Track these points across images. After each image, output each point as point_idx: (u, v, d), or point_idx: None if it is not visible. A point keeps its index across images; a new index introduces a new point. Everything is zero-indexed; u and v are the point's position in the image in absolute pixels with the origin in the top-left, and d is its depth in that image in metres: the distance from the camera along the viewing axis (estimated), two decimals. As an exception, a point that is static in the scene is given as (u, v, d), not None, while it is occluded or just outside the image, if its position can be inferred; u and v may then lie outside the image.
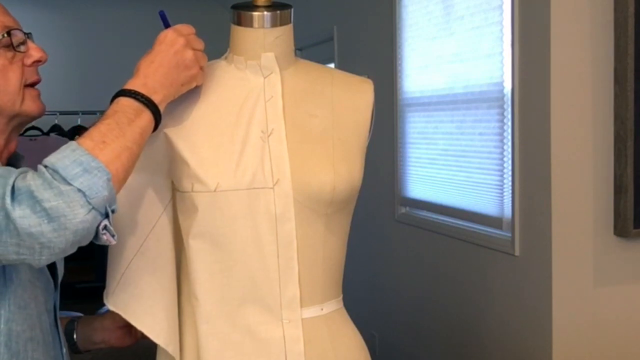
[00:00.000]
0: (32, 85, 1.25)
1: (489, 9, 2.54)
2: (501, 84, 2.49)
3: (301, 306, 1.27)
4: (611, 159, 2.25)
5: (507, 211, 2.48)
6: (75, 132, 5.45)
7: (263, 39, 1.31)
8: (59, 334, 1.30)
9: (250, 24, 1.31)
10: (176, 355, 1.30)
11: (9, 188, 1.03)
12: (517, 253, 2.41)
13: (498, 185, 2.54)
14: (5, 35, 1.20)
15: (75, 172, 1.04)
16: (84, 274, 4.92)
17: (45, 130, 5.27)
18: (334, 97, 1.35)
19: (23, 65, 1.23)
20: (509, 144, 2.44)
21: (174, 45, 1.20)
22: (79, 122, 5.46)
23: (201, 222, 1.24)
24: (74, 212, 1.03)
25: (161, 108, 1.17)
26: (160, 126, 1.18)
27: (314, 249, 1.28)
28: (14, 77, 1.21)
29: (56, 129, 5.41)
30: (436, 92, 2.96)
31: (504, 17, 2.44)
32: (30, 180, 1.04)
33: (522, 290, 2.41)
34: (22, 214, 1.02)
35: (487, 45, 2.56)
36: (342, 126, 1.33)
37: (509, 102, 2.43)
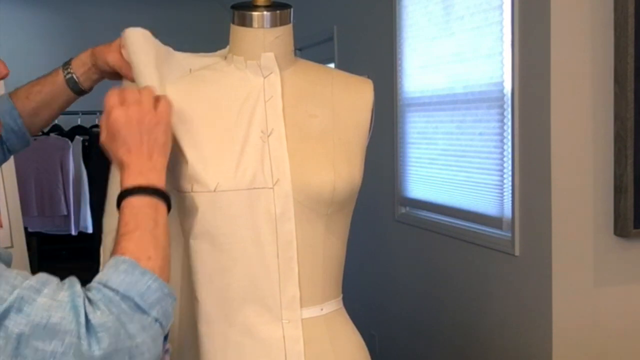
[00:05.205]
0: None
1: (489, 9, 2.54)
2: (501, 84, 2.49)
3: (301, 306, 1.27)
4: (611, 159, 2.25)
5: (507, 211, 2.48)
6: (75, 132, 5.45)
7: (263, 39, 1.31)
8: None
9: (250, 24, 1.31)
10: (174, 355, 1.30)
11: (82, 325, 0.89)
12: (517, 253, 2.41)
13: (498, 185, 2.54)
14: None
15: (152, 300, 0.94)
16: (84, 273, 4.91)
17: (45, 130, 5.26)
18: (334, 97, 1.35)
19: None
20: (509, 144, 2.44)
21: (128, 114, 1.11)
22: (79, 122, 5.45)
23: (201, 222, 1.24)
24: (157, 346, 0.93)
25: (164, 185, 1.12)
26: None
27: (314, 249, 1.28)
28: None
29: (56, 129, 5.39)
30: (436, 92, 2.96)
31: (504, 17, 2.44)
32: (106, 313, 0.91)
33: (522, 290, 2.41)
34: (102, 355, 0.88)
35: (487, 45, 2.56)
36: (342, 126, 1.33)
37: (509, 102, 2.43)
